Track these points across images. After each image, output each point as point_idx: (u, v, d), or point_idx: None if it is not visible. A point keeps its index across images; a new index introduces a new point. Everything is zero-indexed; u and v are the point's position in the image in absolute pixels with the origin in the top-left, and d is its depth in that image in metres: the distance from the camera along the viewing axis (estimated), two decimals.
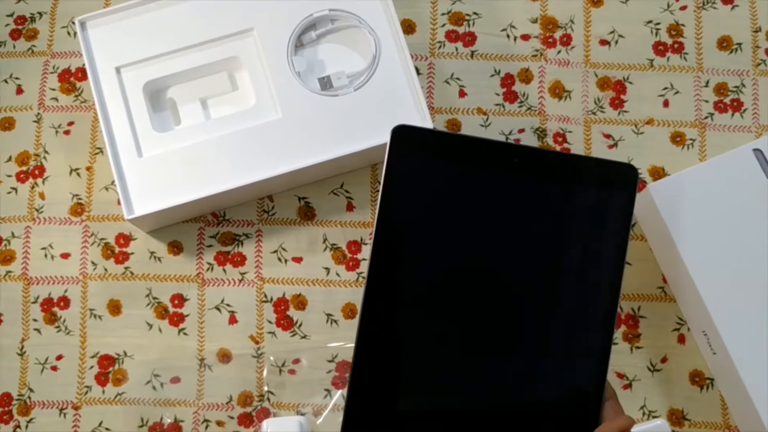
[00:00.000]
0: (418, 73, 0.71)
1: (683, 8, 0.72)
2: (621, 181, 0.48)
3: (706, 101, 0.71)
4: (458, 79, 0.71)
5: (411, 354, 0.47)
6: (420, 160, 0.48)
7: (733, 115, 0.71)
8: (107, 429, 0.66)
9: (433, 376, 0.47)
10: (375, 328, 0.47)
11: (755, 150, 0.62)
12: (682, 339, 0.67)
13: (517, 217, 0.48)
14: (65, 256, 0.69)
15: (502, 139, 0.70)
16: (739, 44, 0.72)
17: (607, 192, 0.48)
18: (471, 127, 0.70)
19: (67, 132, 0.71)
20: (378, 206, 0.47)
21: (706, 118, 0.71)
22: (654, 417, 0.66)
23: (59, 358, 0.68)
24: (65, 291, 0.68)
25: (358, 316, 0.47)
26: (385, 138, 0.63)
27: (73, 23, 0.67)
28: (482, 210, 0.48)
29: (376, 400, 0.47)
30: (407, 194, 0.48)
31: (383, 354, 0.47)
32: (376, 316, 0.47)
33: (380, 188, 0.48)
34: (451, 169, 0.48)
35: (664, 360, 0.67)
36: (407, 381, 0.47)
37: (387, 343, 0.47)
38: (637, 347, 0.67)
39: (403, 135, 0.48)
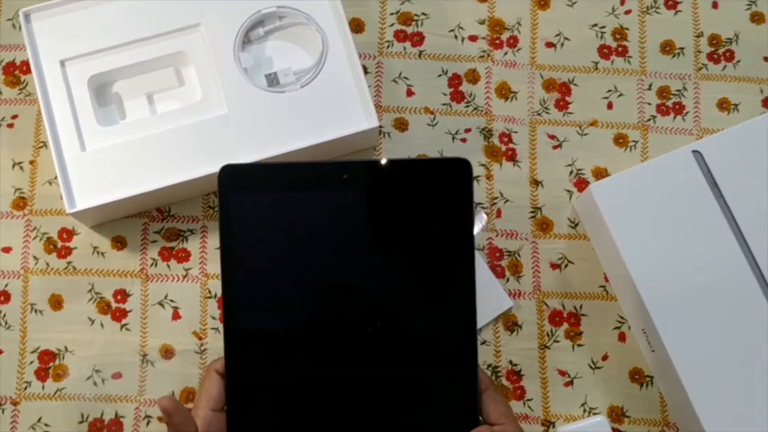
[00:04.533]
0: (366, 72, 0.71)
1: (628, 12, 0.73)
2: (457, 176, 0.48)
3: (649, 104, 0.72)
4: (406, 78, 0.72)
5: (275, 372, 0.49)
6: (253, 196, 0.48)
7: (675, 117, 0.72)
8: (46, 425, 0.66)
9: (303, 395, 0.49)
10: (237, 363, 0.49)
11: (694, 152, 0.63)
12: (622, 337, 0.68)
13: (360, 230, 0.49)
14: (6, 250, 0.68)
15: (449, 138, 0.71)
16: (682, 49, 0.73)
17: (445, 189, 0.48)
18: (418, 127, 0.71)
19: (10, 125, 0.70)
20: (221, 248, 0.48)
21: (649, 120, 0.72)
22: (594, 414, 0.67)
23: None
24: (6, 285, 0.68)
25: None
26: (332, 135, 0.64)
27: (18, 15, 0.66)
28: (325, 232, 0.49)
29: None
30: (248, 232, 0.48)
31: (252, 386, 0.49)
32: (236, 355, 0.49)
33: (219, 231, 0.48)
34: (285, 198, 0.48)
35: (605, 358, 0.68)
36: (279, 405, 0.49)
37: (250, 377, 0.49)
38: (579, 345, 0.68)
39: (230, 175, 0.48)
